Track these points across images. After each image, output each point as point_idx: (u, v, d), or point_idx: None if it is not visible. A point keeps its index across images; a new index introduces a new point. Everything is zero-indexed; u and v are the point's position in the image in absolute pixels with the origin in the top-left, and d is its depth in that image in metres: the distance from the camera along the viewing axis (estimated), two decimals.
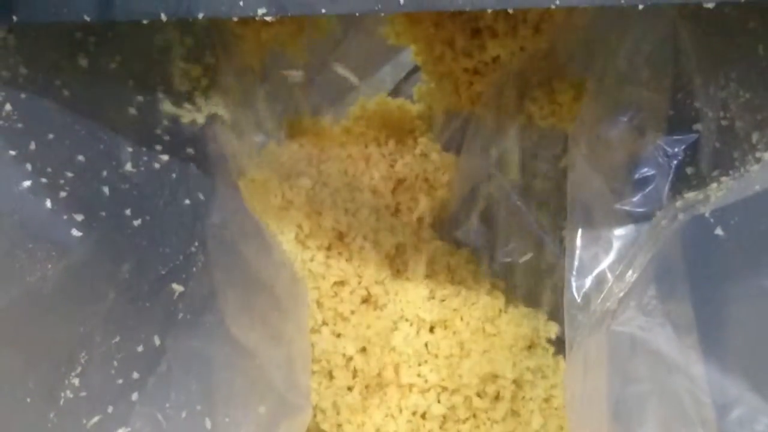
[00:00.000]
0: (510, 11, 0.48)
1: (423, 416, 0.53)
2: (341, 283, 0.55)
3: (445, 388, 0.53)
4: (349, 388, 0.54)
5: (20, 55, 0.33)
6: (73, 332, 0.35)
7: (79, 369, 0.35)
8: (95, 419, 0.36)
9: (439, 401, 0.53)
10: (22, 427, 0.33)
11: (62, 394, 0.34)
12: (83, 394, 0.35)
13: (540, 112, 0.52)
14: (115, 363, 0.37)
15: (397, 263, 0.57)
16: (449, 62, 0.54)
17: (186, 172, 0.42)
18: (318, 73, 0.58)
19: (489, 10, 0.48)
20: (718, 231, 0.36)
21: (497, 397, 0.54)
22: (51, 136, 0.34)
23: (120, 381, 0.37)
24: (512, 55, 0.52)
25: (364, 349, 0.54)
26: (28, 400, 0.33)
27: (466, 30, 0.52)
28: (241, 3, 0.30)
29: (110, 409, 0.36)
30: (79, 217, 0.35)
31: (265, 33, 0.49)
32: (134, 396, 0.38)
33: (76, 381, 0.35)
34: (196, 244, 0.42)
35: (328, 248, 0.53)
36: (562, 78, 0.51)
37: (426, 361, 0.54)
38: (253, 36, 0.49)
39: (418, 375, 0.54)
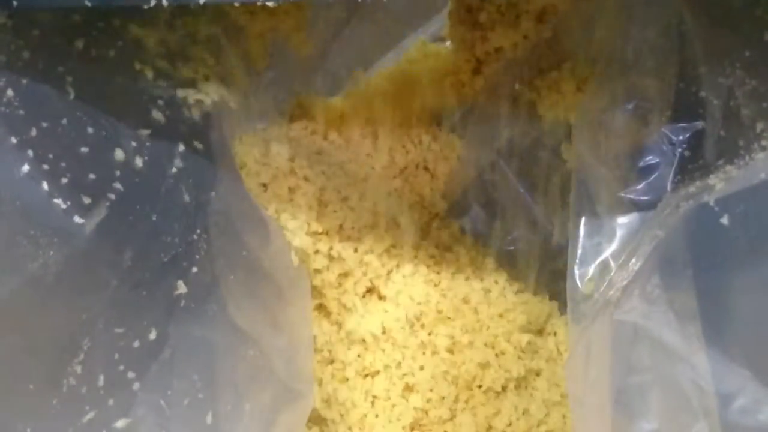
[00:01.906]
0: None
1: (426, 407, 0.53)
2: (345, 275, 0.55)
3: (448, 379, 0.53)
4: (351, 379, 0.54)
5: (21, 40, 0.33)
6: (75, 319, 0.35)
7: (81, 356, 0.35)
8: (98, 406, 0.36)
9: (442, 391, 0.53)
10: (25, 414, 0.33)
11: (65, 381, 0.34)
12: (86, 380, 0.35)
13: (543, 101, 0.52)
14: (118, 350, 0.37)
15: (401, 254, 0.57)
16: (451, 54, 0.54)
17: (188, 159, 0.42)
18: (321, 60, 0.58)
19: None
20: (723, 220, 0.36)
21: (501, 387, 0.54)
22: (53, 122, 0.34)
23: (122, 368, 0.37)
24: (515, 45, 0.51)
25: (366, 340, 0.54)
26: (31, 386, 0.33)
27: (467, 22, 0.52)
28: None
29: (113, 396, 0.36)
30: (81, 204, 0.35)
31: (267, 25, 0.49)
32: (136, 383, 0.38)
33: (78, 368, 0.35)
34: (198, 231, 0.42)
35: (332, 240, 0.53)
36: (565, 67, 0.51)
37: (430, 352, 0.54)
38: (256, 27, 0.48)
39: (422, 366, 0.54)
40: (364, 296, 0.55)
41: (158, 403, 0.39)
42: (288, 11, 0.49)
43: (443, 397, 0.53)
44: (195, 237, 0.42)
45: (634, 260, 0.42)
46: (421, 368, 0.54)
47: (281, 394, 0.45)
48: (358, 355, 0.54)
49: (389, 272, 0.56)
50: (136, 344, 0.38)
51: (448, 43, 0.58)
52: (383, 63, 0.61)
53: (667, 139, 0.43)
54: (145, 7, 0.31)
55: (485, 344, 0.54)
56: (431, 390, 0.53)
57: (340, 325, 0.55)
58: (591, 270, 0.45)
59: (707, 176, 0.39)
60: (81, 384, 0.35)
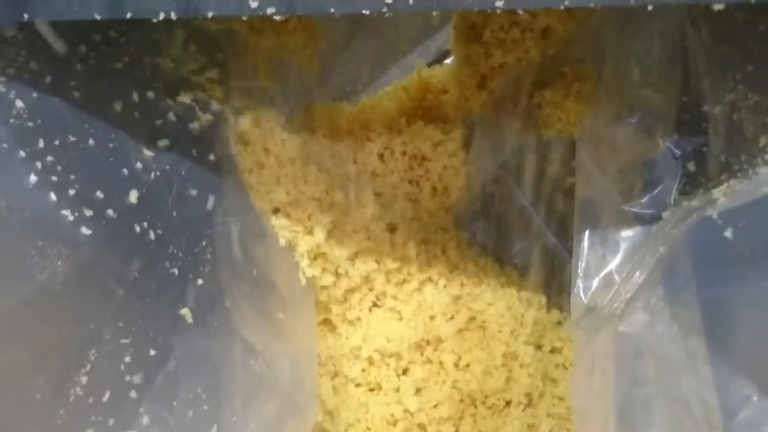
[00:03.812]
0: (518, 17, 0.49)
1: (430, 422, 0.53)
2: (351, 290, 0.55)
3: (453, 394, 0.53)
4: (355, 393, 0.54)
5: (31, 53, 0.34)
6: (82, 329, 0.35)
7: (88, 366, 0.35)
8: (104, 416, 0.36)
9: (447, 407, 0.53)
10: (32, 424, 0.33)
11: (72, 391, 0.35)
12: (92, 391, 0.35)
13: (547, 115, 0.52)
14: (124, 360, 0.37)
15: (407, 270, 0.56)
16: (456, 70, 0.54)
17: (194, 171, 0.43)
18: (326, 74, 0.58)
19: (496, 16, 0.49)
20: (727, 233, 0.36)
21: (506, 402, 0.54)
22: (61, 134, 0.35)
23: (128, 378, 0.37)
24: (519, 61, 0.52)
25: (371, 354, 0.54)
26: (38, 396, 0.33)
27: (471, 39, 0.52)
28: (251, 2, 0.30)
29: (118, 407, 0.36)
30: (89, 215, 0.35)
31: (274, 43, 0.49)
32: (143, 394, 0.38)
33: (84, 378, 0.35)
34: (204, 243, 0.43)
35: (340, 257, 0.53)
36: (569, 82, 0.51)
37: (435, 367, 0.54)
38: (263, 44, 0.49)
39: (426, 381, 0.54)
40: (369, 311, 0.55)
41: (163, 415, 0.39)
42: (294, 29, 0.49)
43: (448, 413, 0.53)
44: (201, 249, 0.42)
45: (638, 273, 0.42)
46: (426, 383, 0.54)
47: (285, 405, 0.45)
48: (363, 370, 0.54)
49: (395, 288, 0.56)
50: (142, 355, 0.38)
51: (449, 60, 0.59)
52: (388, 77, 0.61)
53: (670, 153, 0.43)
54: (154, 20, 0.31)
55: (491, 360, 0.54)
56: (435, 405, 0.53)
57: (345, 339, 0.55)
58: (595, 283, 0.45)
59: (711, 190, 0.39)
60: (87, 395, 0.35)
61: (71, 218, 0.34)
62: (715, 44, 0.40)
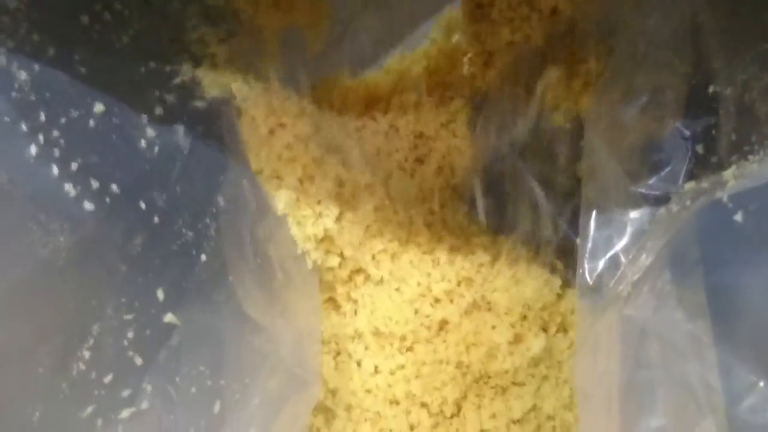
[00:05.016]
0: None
1: (433, 402, 0.53)
2: (356, 271, 0.54)
3: (456, 374, 0.53)
4: (358, 372, 0.54)
5: (34, 26, 0.33)
6: (85, 305, 0.35)
7: (91, 341, 0.35)
8: (106, 391, 0.36)
9: (450, 387, 0.53)
10: (34, 397, 0.33)
11: (74, 366, 0.35)
12: (95, 366, 0.35)
13: (555, 94, 0.51)
14: (127, 336, 0.37)
15: (413, 250, 0.56)
16: (463, 46, 0.54)
17: (198, 148, 0.42)
18: (334, 50, 0.57)
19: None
20: (736, 216, 0.36)
21: (510, 383, 0.54)
22: (64, 108, 0.34)
23: (131, 353, 0.37)
24: (527, 38, 0.51)
25: (374, 334, 0.54)
26: (40, 371, 0.33)
27: (478, 18, 0.51)
28: None
29: (121, 382, 0.37)
30: (91, 190, 0.35)
31: (281, 21, 0.49)
32: (145, 369, 0.38)
33: (87, 353, 0.35)
34: (208, 220, 0.42)
35: (346, 240, 0.53)
36: (578, 60, 0.51)
37: (439, 348, 0.54)
38: (270, 23, 0.48)
39: (430, 361, 0.54)
40: (374, 291, 0.55)
41: (166, 390, 0.39)
42: (302, 6, 0.49)
43: (451, 394, 0.53)
44: (204, 225, 0.42)
45: (644, 255, 0.42)
46: (430, 364, 0.54)
47: (288, 382, 0.46)
48: (366, 349, 0.54)
49: (401, 268, 0.56)
50: (145, 331, 0.38)
51: (456, 37, 0.58)
52: (397, 53, 0.61)
53: (680, 133, 0.42)
54: None
55: (495, 341, 0.54)
56: (438, 385, 0.53)
57: (349, 319, 0.55)
58: (601, 264, 0.44)
59: (720, 172, 0.39)
60: (90, 369, 0.35)
61: (74, 193, 0.34)
62: (727, 23, 0.39)
